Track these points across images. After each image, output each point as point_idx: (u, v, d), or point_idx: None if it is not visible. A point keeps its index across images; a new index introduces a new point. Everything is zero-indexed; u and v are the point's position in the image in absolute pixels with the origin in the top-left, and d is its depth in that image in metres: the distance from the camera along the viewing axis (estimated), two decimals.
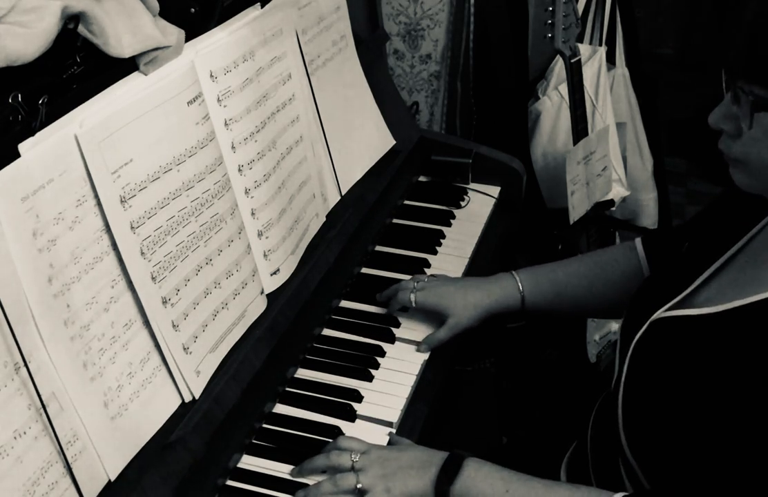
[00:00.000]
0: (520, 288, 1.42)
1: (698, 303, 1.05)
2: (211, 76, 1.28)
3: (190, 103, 1.20)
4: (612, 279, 1.39)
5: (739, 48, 0.91)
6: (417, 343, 1.44)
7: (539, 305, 1.43)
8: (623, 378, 1.09)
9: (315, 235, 1.53)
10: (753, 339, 0.94)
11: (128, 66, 1.15)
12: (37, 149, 0.98)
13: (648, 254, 1.37)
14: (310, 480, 1.18)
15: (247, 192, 1.34)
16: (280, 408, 1.32)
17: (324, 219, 1.57)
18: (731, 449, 0.93)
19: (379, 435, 1.27)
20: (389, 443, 1.25)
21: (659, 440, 1.02)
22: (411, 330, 1.47)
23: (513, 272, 1.45)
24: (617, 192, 2.28)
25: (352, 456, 1.15)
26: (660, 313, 1.07)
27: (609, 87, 2.34)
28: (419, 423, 1.33)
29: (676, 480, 1.00)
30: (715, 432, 0.94)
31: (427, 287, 1.45)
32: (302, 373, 1.39)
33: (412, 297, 1.44)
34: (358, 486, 1.12)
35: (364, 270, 1.64)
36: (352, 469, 1.14)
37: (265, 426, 1.28)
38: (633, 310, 1.15)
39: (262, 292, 1.34)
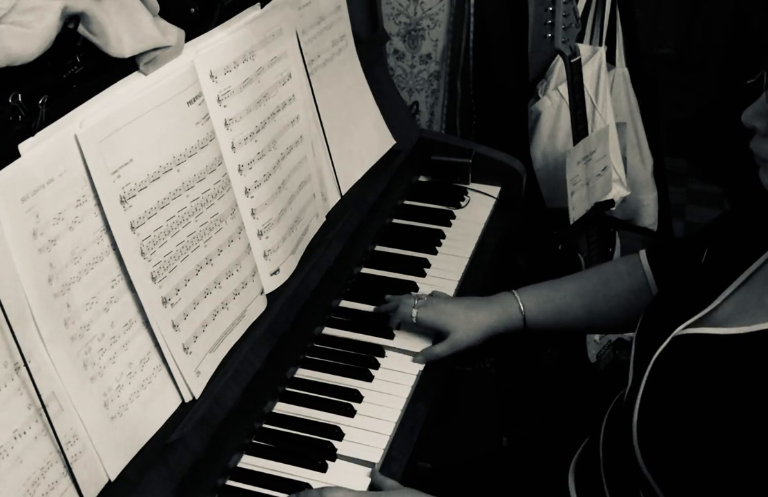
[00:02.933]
0: (522, 309, 1.42)
1: (720, 320, 1.02)
2: (211, 76, 1.28)
3: (190, 103, 1.20)
4: (616, 296, 1.37)
5: None
6: (417, 345, 1.44)
7: (541, 324, 1.43)
8: (640, 393, 1.06)
9: (315, 235, 1.53)
10: None
11: (128, 66, 1.15)
12: (37, 149, 0.98)
13: (654, 268, 1.34)
14: None
15: (247, 192, 1.34)
16: (280, 408, 1.32)
17: (324, 219, 1.57)
18: (751, 470, 0.91)
19: (379, 437, 1.27)
20: (371, 485, 1.20)
21: (676, 457, 0.99)
22: (411, 331, 1.47)
23: (514, 292, 1.44)
24: (617, 192, 2.28)
25: None
26: (681, 330, 1.04)
27: (609, 87, 2.34)
28: (419, 423, 1.33)
29: (691, 495, 0.99)
30: (733, 453, 0.92)
31: (429, 304, 1.45)
32: (302, 373, 1.39)
33: (414, 312, 1.44)
34: None
35: (364, 270, 1.64)
36: None
37: (265, 426, 1.28)
38: (650, 323, 1.12)
39: (262, 292, 1.34)
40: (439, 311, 1.43)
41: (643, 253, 1.37)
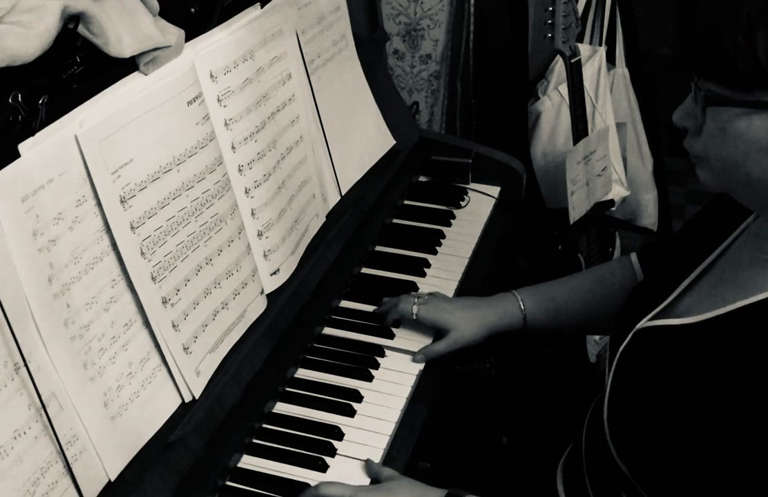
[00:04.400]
0: (522, 307, 1.43)
1: (679, 312, 1.05)
2: (211, 76, 1.28)
3: (190, 103, 1.20)
4: (610, 294, 1.39)
5: (692, 44, 0.92)
6: (416, 345, 1.44)
7: (541, 323, 1.44)
8: (608, 388, 1.10)
9: (315, 235, 1.53)
10: (731, 347, 0.94)
11: (128, 66, 1.15)
12: (37, 149, 0.98)
13: (643, 266, 1.37)
14: None
15: (247, 192, 1.34)
16: (281, 408, 1.32)
17: (324, 219, 1.57)
18: (714, 456, 0.93)
19: (379, 437, 1.27)
20: (373, 480, 1.20)
21: (645, 447, 1.02)
22: (411, 331, 1.47)
23: (514, 292, 1.45)
24: (617, 192, 2.28)
25: None
26: (643, 323, 1.07)
27: (609, 87, 2.34)
28: (419, 423, 1.33)
29: (665, 485, 1.01)
30: (697, 441, 0.95)
31: (429, 302, 1.45)
32: (302, 373, 1.39)
33: (415, 309, 1.44)
34: None
35: (364, 270, 1.64)
36: None
37: (265, 426, 1.28)
38: (620, 319, 1.15)
39: (262, 292, 1.34)
40: (439, 309, 1.44)
41: (634, 255, 1.40)
